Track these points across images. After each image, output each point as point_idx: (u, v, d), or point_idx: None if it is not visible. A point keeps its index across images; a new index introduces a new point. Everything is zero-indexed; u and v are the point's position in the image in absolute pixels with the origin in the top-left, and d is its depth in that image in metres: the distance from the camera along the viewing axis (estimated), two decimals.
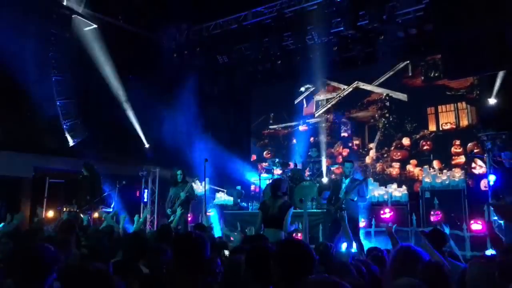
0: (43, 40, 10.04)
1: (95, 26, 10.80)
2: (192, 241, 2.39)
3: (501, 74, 8.70)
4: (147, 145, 11.62)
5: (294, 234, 6.33)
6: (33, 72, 9.76)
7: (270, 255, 2.33)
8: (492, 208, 7.16)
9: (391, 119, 11.46)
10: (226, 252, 4.11)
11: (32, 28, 9.73)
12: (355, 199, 6.94)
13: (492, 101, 8.98)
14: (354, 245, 6.69)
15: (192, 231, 2.92)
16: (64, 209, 9.03)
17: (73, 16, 10.55)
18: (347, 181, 7.03)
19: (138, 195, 11.89)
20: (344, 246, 4.57)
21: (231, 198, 10.97)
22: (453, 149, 10.33)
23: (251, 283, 2.39)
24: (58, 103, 9.94)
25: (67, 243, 3.54)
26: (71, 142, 10.32)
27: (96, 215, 9.16)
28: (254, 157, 13.74)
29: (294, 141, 12.90)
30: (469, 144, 10.13)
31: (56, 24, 10.29)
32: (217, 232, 7.90)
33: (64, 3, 10.48)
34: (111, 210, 9.11)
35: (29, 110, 9.81)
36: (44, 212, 10.01)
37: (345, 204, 6.87)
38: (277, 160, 10.72)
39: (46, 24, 10.11)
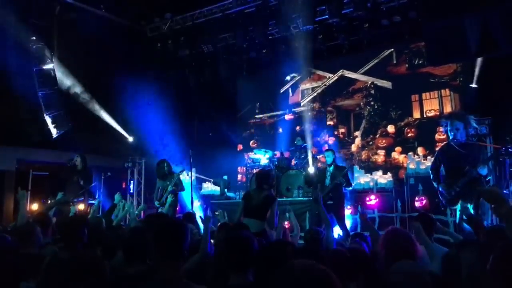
0: (24, 30, 9.82)
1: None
2: (172, 227, 2.37)
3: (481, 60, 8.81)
4: (130, 139, 11.49)
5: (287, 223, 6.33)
6: (14, 63, 9.57)
7: (250, 244, 2.33)
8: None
9: (376, 107, 11.52)
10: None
11: (12, 18, 9.52)
12: (343, 183, 7.13)
13: (473, 86, 9.07)
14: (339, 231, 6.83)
15: (173, 218, 2.89)
16: (49, 201, 8.91)
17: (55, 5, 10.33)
18: (331, 168, 7.23)
19: (124, 186, 11.81)
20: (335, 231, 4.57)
21: (218, 188, 10.94)
22: (437, 136, 10.44)
23: (229, 272, 2.38)
24: (40, 94, 9.75)
25: (30, 235, 3.47)
26: (54, 134, 10.16)
27: (81, 207, 9.08)
28: (240, 146, 13.72)
29: (280, 130, 12.90)
30: None
31: (37, 14, 10.07)
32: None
33: None
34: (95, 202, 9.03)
35: (11, 102, 9.63)
36: (28, 205, 9.86)
37: (332, 192, 7.04)
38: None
39: (27, 14, 9.88)
